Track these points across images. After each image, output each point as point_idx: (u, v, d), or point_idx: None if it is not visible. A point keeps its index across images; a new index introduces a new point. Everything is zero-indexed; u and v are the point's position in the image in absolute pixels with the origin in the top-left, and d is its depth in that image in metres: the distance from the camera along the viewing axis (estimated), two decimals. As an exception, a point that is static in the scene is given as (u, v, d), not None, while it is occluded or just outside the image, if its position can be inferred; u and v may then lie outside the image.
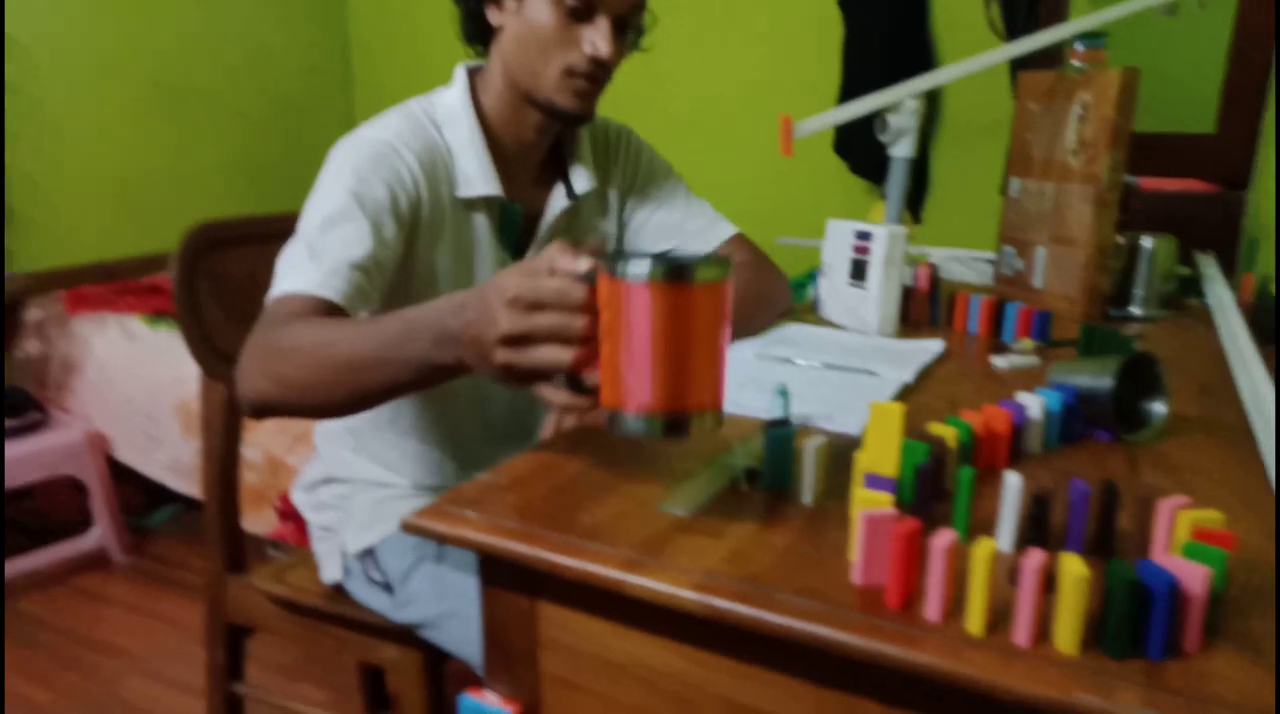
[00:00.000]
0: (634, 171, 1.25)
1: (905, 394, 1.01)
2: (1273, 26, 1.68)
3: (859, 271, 1.24)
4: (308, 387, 0.80)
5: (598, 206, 1.21)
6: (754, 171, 3.03)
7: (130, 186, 2.78)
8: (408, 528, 0.69)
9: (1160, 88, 2.01)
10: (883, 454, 0.69)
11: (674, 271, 0.61)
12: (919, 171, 3.00)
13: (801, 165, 2.94)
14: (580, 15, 1.00)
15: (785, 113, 1.30)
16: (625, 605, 0.63)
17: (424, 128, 1.04)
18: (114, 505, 2.27)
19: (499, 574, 0.71)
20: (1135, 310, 1.35)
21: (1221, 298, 1.28)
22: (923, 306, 1.33)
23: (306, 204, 0.98)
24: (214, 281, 1.21)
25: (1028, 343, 1.13)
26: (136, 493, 2.46)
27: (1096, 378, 0.85)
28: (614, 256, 0.63)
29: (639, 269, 0.61)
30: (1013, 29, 2.59)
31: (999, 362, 1.11)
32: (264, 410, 0.84)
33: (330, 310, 0.89)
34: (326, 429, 1.20)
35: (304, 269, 0.91)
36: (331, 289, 0.90)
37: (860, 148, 2.85)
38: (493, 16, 1.05)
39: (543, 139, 1.11)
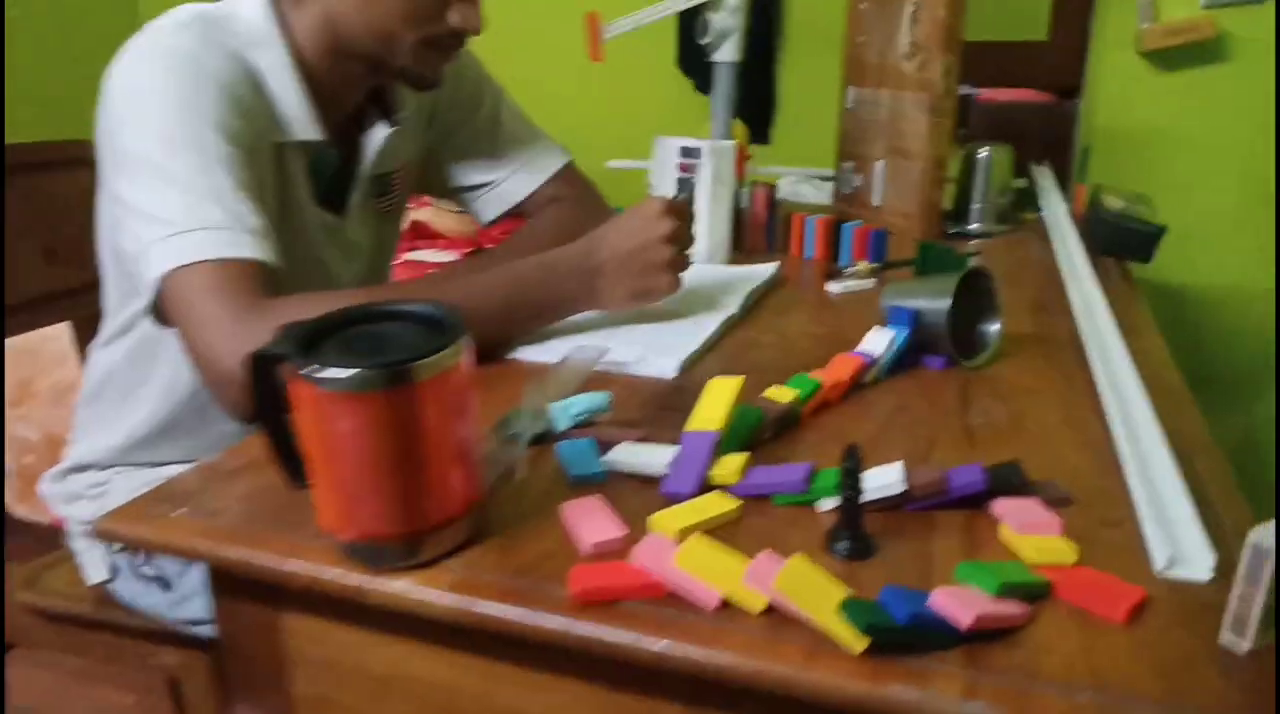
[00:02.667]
0: (450, 86, 1.08)
1: (731, 327, 0.92)
2: (1101, -72, 1.64)
3: (686, 193, 1.14)
4: None
5: (413, 127, 1.06)
6: (594, 91, 2.87)
7: None
8: (101, 534, 0.55)
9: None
10: (711, 416, 0.60)
11: (387, 375, 0.46)
12: (765, 89, 2.92)
13: (644, 83, 2.80)
14: None
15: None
16: (381, 612, 0.52)
17: (227, 49, 0.83)
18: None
19: (231, 582, 0.58)
20: (973, 226, 1.31)
21: (1055, 210, 1.25)
22: (759, 230, 1.24)
23: (140, 136, 0.77)
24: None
25: (863, 266, 1.06)
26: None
27: (933, 301, 0.77)
28: (303, 350, 0.47)
29: (338, 374, 0.45)
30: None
31: (833, 287, 1.04)
32: None
33: (268, 280, 0.75)
34: (84, 407, 1.01)
35: (222, 225, 0.74)
36: (268, 252, 0.76)
37: (704, 64, 2.73)
38: None
39: (365, 84, 0.94)
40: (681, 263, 0.88)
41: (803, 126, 2.79)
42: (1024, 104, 1.80)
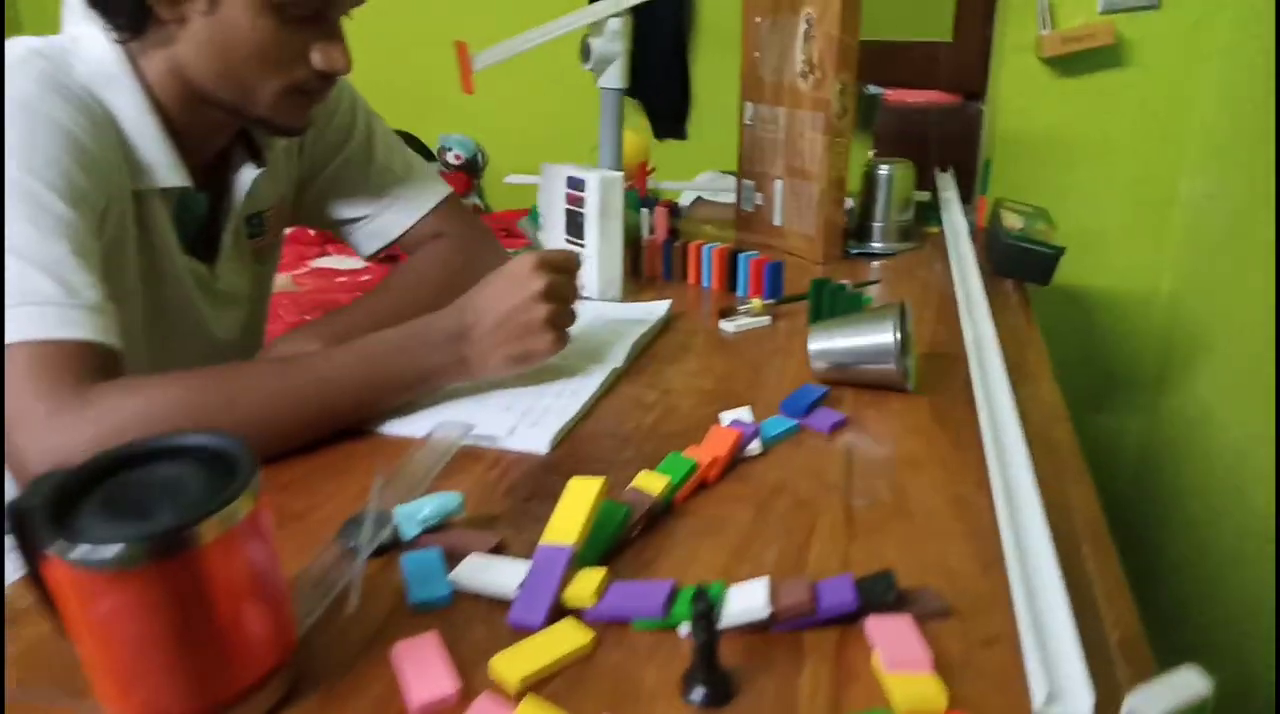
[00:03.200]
0: (321, 118, 0.99)
1: (616, 382, 0.86)
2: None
3: (574, 226, 1.07)
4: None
5: (284, 161, 0.97)
6: (526, 97, 2.75)
7: None
8: None
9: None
10: (568, 526, 0.54)
11: (158, 545, 0.39)
12: (680, 82, 2.86)
13: (574, 90, 2.69)
14: (306, 20, 0.76)
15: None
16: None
17: (72, 90, 0.73)
18: None
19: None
20: (876, 245, 1.27)
21: (956, 225, 1.23)
22: (656, 256, 1.19)
23: None
24: None
25: (757, 303, 1.02)
26: None
27: (873, 336, 0.80)
28: (55, 513, 0.40)
29: (94, 552, 0.38)
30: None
31: (727, 327, 0.99)
32: None
33: (100, 363, 0.66)
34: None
35: (50, 300, 0.65)
36: (103, 331, 0.67)
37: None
38: (158, 3, 0.74)
39: (230, 129, 0.86)
40: (563, 319, 0.82)
41: (721, 120, 2.72)
42: (931, 107, 1.78)
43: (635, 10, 2.67)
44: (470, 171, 3.00)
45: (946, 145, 1.71)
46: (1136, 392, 1.64)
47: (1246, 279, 1.27)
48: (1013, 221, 1.15)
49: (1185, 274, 1.52)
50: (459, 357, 0.79)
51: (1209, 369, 1.39)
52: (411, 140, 3.04)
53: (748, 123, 1.30)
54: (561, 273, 0.82)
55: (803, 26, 1.16)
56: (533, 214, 2.75)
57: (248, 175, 0.89)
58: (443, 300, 1.01)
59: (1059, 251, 1.10)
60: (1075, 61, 1.46)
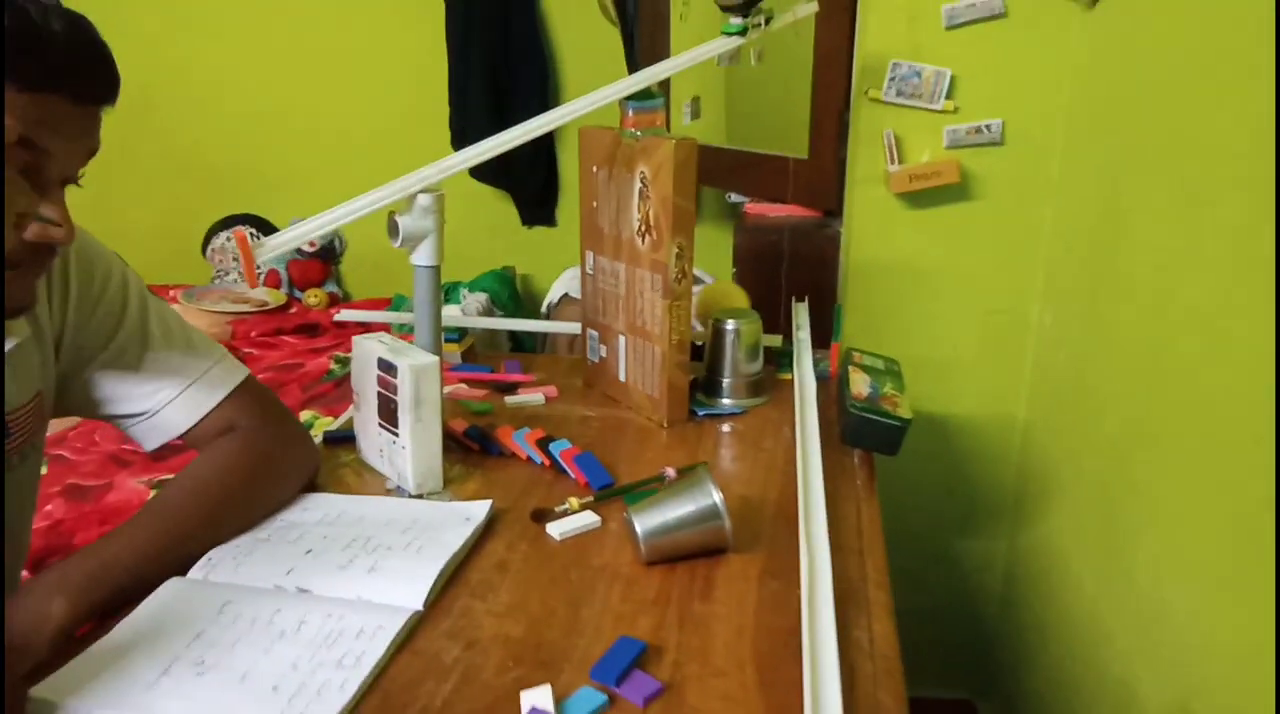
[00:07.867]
0: (78, 298, 0.87)
1: (416, 629, 0.76)
2: (848, 47, 1.60)
3: (387, 411, 0.97)
4: None
5: (37, 353, 0.84)
6: (387, 172, 2.63)
7: None
8: None
9: (762, 105, 1.92)
10: None
11: None
12: (547, 167, 2.78)
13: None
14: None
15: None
16: None
17: None
18: None
19: None
20: (725, 401, 1.21)
21: (805, 385, 1.17)
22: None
23: None
24: None
25: (574, 501, 0.93)
26: None
27: (696, 501, 0.84)
28: None
29: None
30: (623, 12, 2.42)
31: (553, 531, 0.91)
32: None
33: None
34: None
35: None
36: None
37: (495, 170, 2.56)
38: None
39: None
40: None
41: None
42: (790, 223, 1.75)
43: (499, 93, 2.57)
44: (327, 258, 2.86)
45: (806, 266, 1.68)
46: (998, 518, 1.63)
47: (1089, 420, 1.26)
48: (859, 387, 1.11)
49: (1037, 406, 1.52)
50: None
51: (1059, 513, 1.38)
52: (263, 226, 2.88)
53: (589, 272, 1.23)
54: None
55: (637, 184, 1.10)
56: (395, 303, 2.60)
57: None
58: (223, 517, 0.89)
59: (905, 424, 1.06)
60: (925, 193, 1.45)
